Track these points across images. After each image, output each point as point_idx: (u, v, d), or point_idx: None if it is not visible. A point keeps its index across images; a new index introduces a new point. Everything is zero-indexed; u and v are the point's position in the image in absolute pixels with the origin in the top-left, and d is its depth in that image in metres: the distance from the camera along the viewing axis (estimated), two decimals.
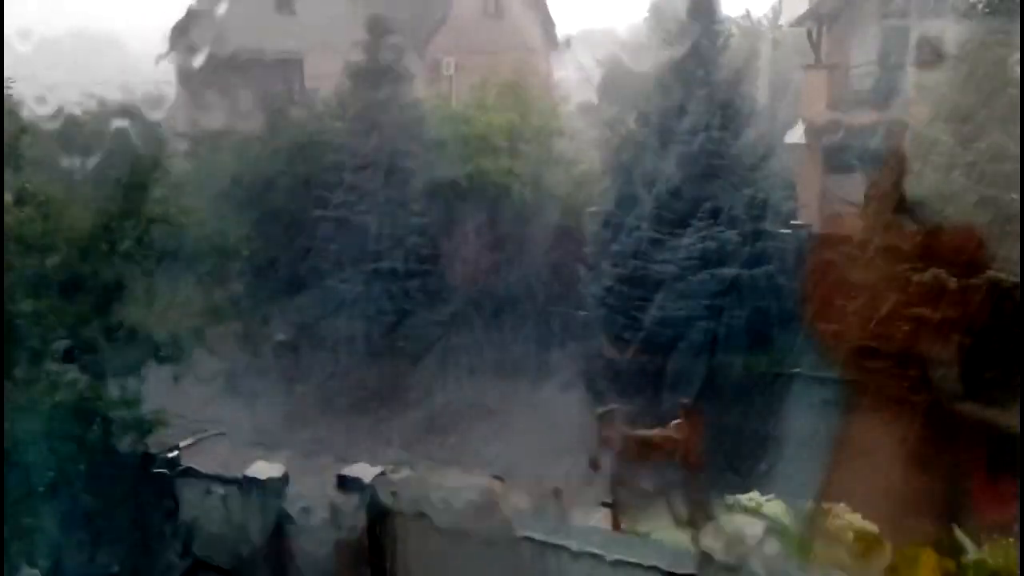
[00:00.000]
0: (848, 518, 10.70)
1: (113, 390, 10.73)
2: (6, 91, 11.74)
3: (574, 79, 34.15)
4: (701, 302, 17.82)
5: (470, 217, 21.52)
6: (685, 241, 18.16)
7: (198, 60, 29.70)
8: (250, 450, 13.66)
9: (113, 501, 10.01)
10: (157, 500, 10.58)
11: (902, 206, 15.89)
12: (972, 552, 10.33)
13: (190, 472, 10.49)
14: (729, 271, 17.95)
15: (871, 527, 10.49)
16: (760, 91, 20.81)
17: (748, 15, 31.13)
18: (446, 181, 21.23)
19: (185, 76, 30.43)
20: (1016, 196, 14.88)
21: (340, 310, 20.34)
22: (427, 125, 22.16)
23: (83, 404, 10.07)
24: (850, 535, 10.50)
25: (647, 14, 31.86)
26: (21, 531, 9.58)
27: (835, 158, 21.32)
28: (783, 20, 28.80)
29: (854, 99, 21.88)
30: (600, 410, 12.03)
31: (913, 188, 15.59)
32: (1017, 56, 15.56)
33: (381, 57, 21.85)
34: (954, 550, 10.42)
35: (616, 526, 11.68)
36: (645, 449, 12.04)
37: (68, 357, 10.55)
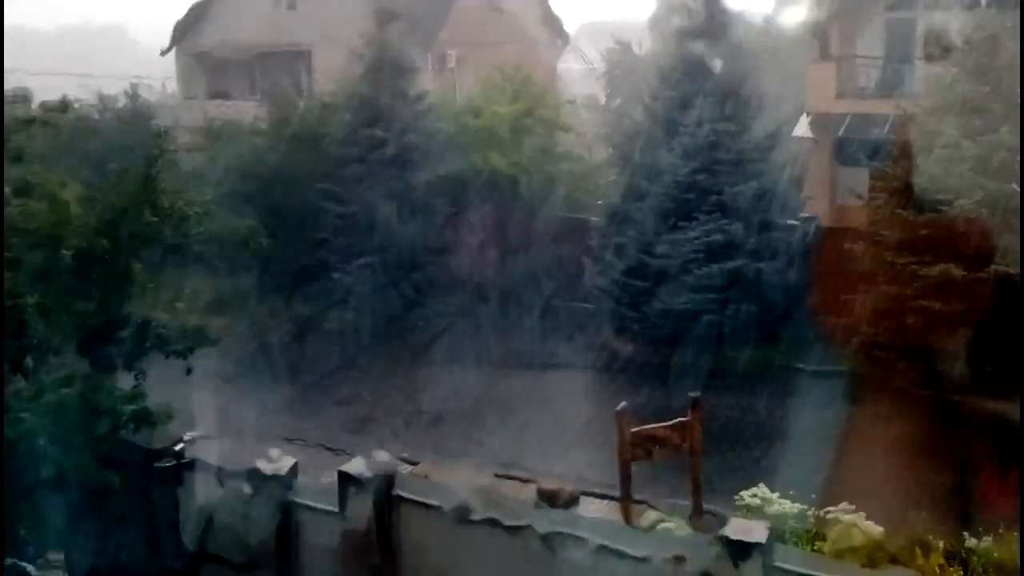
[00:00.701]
0: (852, 518, 10.66)
1: (120, 382, 10.75)
2: (14, 83, 11.74)
3: (579, 72, 34.14)
4: (707, 295, 17.81)
5: (476, 209, 21.53)
6: (691, 234, 18.14)
7: (204, 53, 29.80)
8: (257, 441, 13.70)
9: (120, 493, 10.02)
10: (164, 492, 10.59)
11: (909, 199, 15.88)
12: (977, 547, 10.30)
13: (197, 464, 10.49)
14: (735, 264, 17.93)
15: (875, 528, 10.47)
16: (766, 83, 20.74)
17: (754, 7, 31.05)
18: (452, 173, 21.23)
19: (191, 69, 30.51)
20: (1019, 188, 14.85)
21: (346, 301, 20.38)
22: (433, 118, 22.15)
23: (90, 396, 10.08)
24: (854, 533, 10.46)
25: (653, 6, 31.82)
26: (28, 523, 9.62)
27: (842, 151, 21.29)
28: (789, 12, 28.70)
29: (861, 92, 21.82)
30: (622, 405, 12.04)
31: (920, 181, 15.56)
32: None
33: (386, 50, 21.83)
34: (959, 547, 10.40)
35: (626, 519, 11.71)
36: (651, 443, 12.06)
37: (75, 349, 10.57)
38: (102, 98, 22.45)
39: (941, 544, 10.26)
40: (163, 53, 30.95)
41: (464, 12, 29.40)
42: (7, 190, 10.06)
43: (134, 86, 23.32)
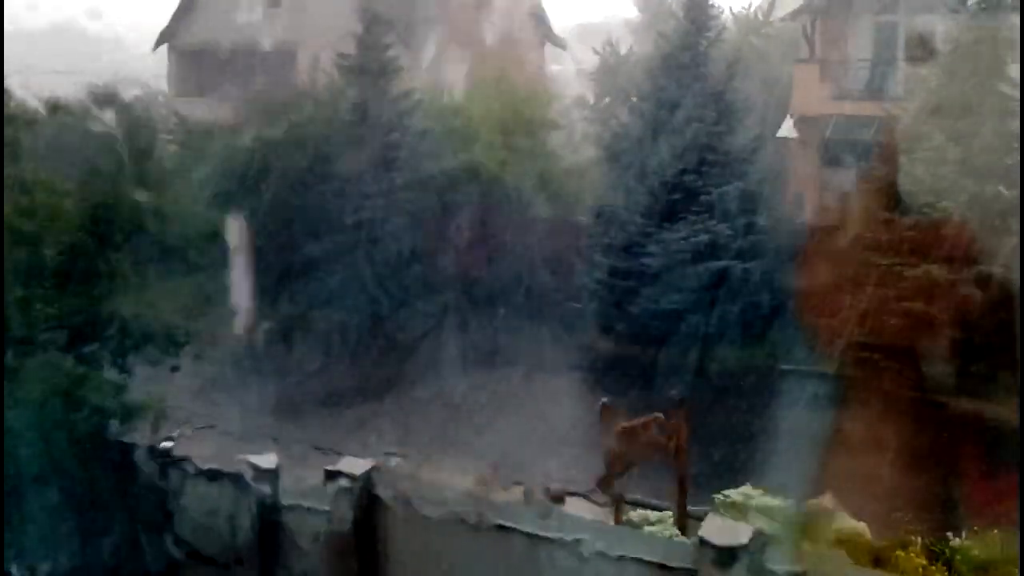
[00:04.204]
0: (836, 516, 10.71)
1: (104, 379, 10.69)
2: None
3: (567, 72, 34.14)
4: (694, 295, 17.84)
5: (463, 208, 21.49)
6: (678, 234, 18.17)
7: (191, 51, 29.68)
8: (241, 441, 13.65)
9: (104, 491, 9.98)
10: (148, 490, 10.54)
11: (894, 200, 15.96)
12: (960, 546, 10.35)
13: (181, 463, 10.45)
14: (721, 264, 17.97)
15: (859, 525, 10.52)
16: (753, 85, 20.80)
17: (742, 9, 31.10)
18: (439, 172, 21.19)
19: (178, 67, 30.38)
20: (1004, 190, 14.97)
21: (332, 301, 20.30)
22: (420, 117, 22.10)
23: (74, 393, 10.03)
24: (837, 532, 10.51)
25: (641, 8, 31.86)
26: (12, 521, 9.56)
27: (828, 152, 21.37)
28: (776, 15, 28.83)
29: (846, 94, 21.92)
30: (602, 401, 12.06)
31: (904, 182, 15.65)
32: (1008, 53, 15.64)
33: (373, 49, 21.77)
34: (942, 545, 10.45)
35: (612, 518, 11.72)
36: (637, 444, 12.07)
37: (59, 346, 10.51)
38: (87, 96, 22.27)
39: (924, 543, 10.31)
40: (151, 51, 30.84)
41: (453, 12, 29.36)
42: None
43: (121, 84, 23.15)
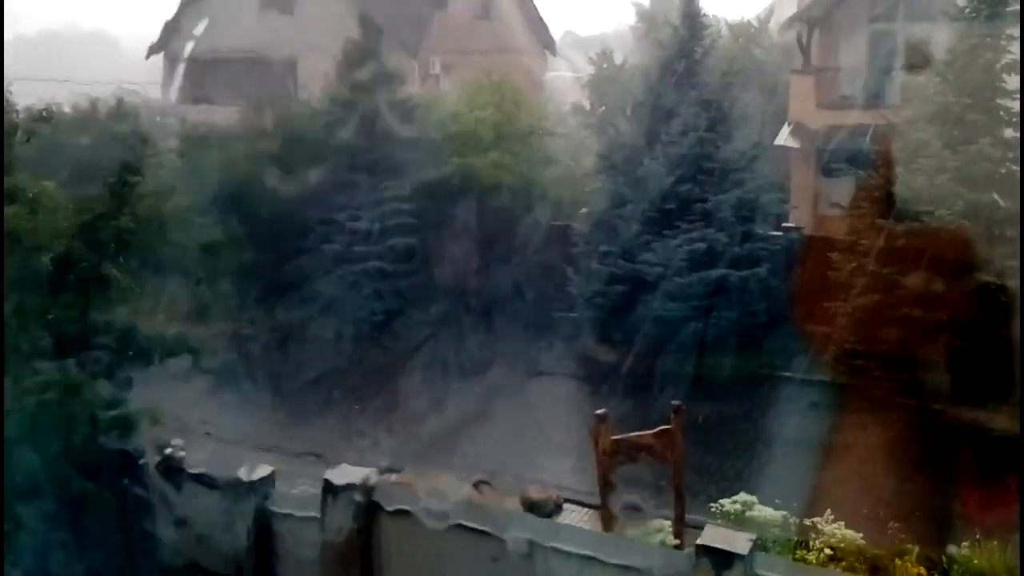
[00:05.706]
0: (832, 527, 10.70)
1: (99, 389, 10.67)
2: None
3: (565, 80, 34.20)
4: (690, 303, 17.83)
5: (459, 217, 21.50)
6: (675, 242, 18.17)
7: (188, 59, 29.69)
8: (237, 450, 13.64)
9: (99, 500, 9.95)
10: (144, 500, 10.51)
11: (890, 209, 15.97)
12: (957, 556, 10.35)
13: (177, 472, 10.43)
14: (718, 273, 17.97)
15: (855, 535, 10.51)
16: (751, 94, 20.83)
17: (738, 19, 31.12)
18: (435, 180, 21.20)
19: (175, 75, 30.38)
20: (1001, 199, 14.98)
21: (329, 309, 20.29)
22: (417, 124, 22.10)
23: (69, 403, 10.01)
24: (833, 541, 10.50)
25: (636, 17, 31.93)
26: (7, 531, 9.52)
27: (824, 160, 21.39)
28: (773, 24, 28.89)
29: (843, 102, 21.95)
30: (598, 412, 12.02)
31: (901, 191, 15.65)
32: (1004, 60, 15.68)
33: (371, 57, 21.80)
34: (940, 555, 10.45)
35: (606, 527, 11.68)
36: (633, 452, 12.04)
37: (54, 355, 10.49)
38: (84, 103, 22.30)
39: (921, 553, 10.30)
40: (148, 57, 30.84)
41: (452, 20, 29.43)
42: None
43: (118, 91, 23.17)
